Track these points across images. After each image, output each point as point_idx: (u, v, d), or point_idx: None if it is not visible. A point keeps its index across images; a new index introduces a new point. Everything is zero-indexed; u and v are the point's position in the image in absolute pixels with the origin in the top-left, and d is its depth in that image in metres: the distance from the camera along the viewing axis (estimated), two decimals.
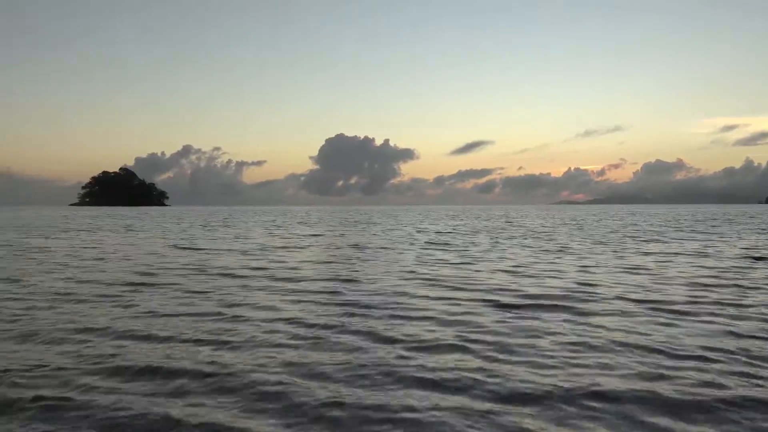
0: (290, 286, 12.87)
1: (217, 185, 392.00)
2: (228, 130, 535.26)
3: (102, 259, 19.37)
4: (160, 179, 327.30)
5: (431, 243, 26.77)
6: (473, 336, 7.97)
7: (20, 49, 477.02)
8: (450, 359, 6.88)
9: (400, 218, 70.75)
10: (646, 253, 20.74)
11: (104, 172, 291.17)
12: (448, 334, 8.07)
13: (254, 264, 17.48)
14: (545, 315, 9.51)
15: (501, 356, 7.00)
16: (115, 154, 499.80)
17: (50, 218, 72.33)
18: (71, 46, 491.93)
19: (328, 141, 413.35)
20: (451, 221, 58.91)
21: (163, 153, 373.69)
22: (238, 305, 10.37)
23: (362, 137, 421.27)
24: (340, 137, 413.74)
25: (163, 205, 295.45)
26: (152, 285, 13.00)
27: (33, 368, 6.53)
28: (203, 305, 10.43)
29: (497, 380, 6.08)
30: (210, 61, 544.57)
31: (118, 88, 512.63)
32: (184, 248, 23.91)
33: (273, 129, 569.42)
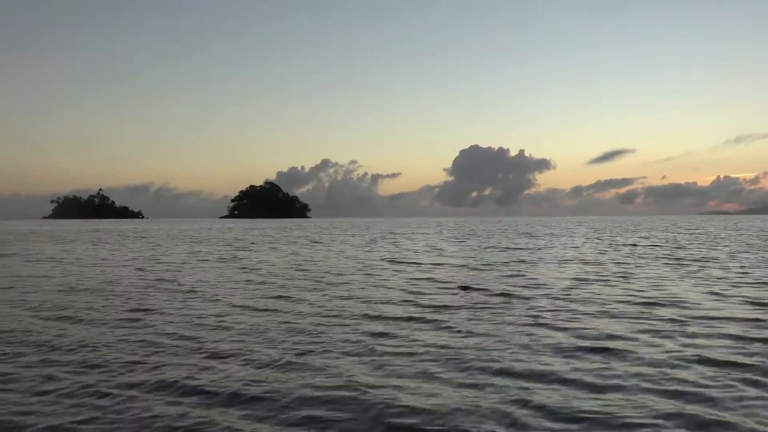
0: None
1: (353, 198, 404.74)
2: (364, 143, 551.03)
3: (359, 274, 18.79)
4: (300, 192, 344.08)
5: (697, 260, 23.67)
6: None
7: (190, 77, 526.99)
8: None
9: (573, 230, 66.71)
10: None
11: (251, 186, 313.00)
12: None
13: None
14: None
15: None
16: (258, 169, 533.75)
17: (221, 231, 77.11)
18: (226, 71, 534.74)
19: (462, 152, 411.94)
20: (634, 233, 54.11)
21: (302, 167, 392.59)
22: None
23: (497, 148, 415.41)
24: (475, 148, 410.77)
25: (306, 217, 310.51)
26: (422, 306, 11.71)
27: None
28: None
29: None
30: (345, 76, 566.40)
31: (262, 106, 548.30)
32: (402, 262, 23.01)
33: (407, 141, 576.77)
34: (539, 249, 30.82)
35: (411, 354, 7.85)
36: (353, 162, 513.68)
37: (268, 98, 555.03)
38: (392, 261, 23.79)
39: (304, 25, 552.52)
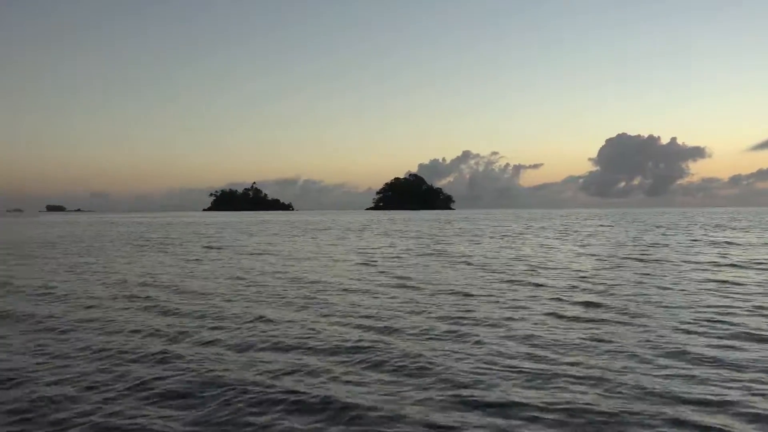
0: None
1: (495, 189, 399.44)
2: (505, 134, 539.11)
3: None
4: (441, 184, 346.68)
5: None
6: None
7: (333, 75, 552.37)
8: None
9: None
10: None
11: (396, 179, 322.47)
12: None
13: None
14: None
15: None
16: (400, 162, 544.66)
17: (398, 222, 79.08)
18: (368, 69, 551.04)
19: (609, 141, 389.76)
20: None
21: (443, 159, 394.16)
22: None
23: (646, 136, 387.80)
24: (622, 137, 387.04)
25: (450, 209, 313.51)
26: None
27: None
28: None
29: None
30: (485, 67, 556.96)
31: (404, 101, 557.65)
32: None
33: (550, 131, 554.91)
34: None
35: None
36: (495, 153, 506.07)
37: (409, 93, 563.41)
38: (639, 259, 22.72)
39: (443, 21, 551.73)
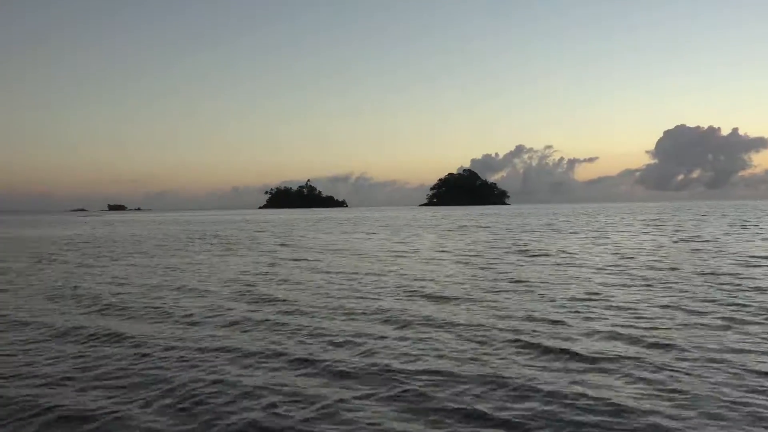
0: None
1: (549, 184, 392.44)
2: (559, 127, 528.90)
3: None
4: (493, 179, 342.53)
5: None
6: None
7: (386, 72, 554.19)
8: None
9: None
10: None
11: (450, 174, 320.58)
12: None
13: None
14: None
15: None
16: (451, 158, 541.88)
17: (466, 218, 78.39)
18: (420, 67, 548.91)
19: (667, 133, 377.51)
20: None
21: (496, 154, 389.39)
22: None
23: (706, 127, 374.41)
24: (681, 129, 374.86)
25: (505, 204, 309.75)
26: None
27: None
28: None
29: None
30: (538, 60, 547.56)
31: (455, 96, 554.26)
32: None
33: (605, 124, 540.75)
34: None
35: None
36: (548, 147, 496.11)
37: (462, 88, 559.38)
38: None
39: (498, 17, 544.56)
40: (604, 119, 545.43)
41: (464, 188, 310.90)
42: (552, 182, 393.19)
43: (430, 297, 12.97)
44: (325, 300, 12.79)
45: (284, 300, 12.82)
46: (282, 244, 31.91)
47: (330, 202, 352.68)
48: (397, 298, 12.93)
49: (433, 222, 65.39)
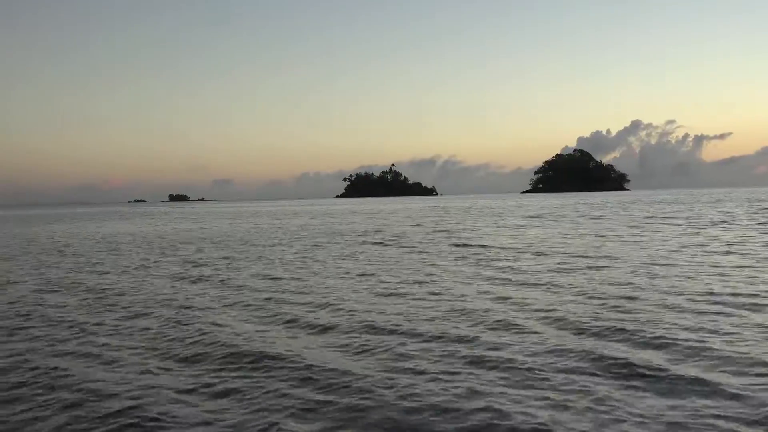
0: None
1: (670, 165, 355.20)
2: (683, 99, 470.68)
3: None
4: (605, 160, 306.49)
5: None
6: None
7: (474, 50, 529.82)
8: None
9: None
10: None
11: (557, 155, 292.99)
12: None
13: None
14: None
15: None
16: (553, 136, 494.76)
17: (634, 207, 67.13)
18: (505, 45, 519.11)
19: None
20: None
21: (608, 131, 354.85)
22: None
23: None
24: None
25: (625, 189, 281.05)
26: None
27: None
28: None
29: None
30: (655, 20, 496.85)
31: (557, 63, 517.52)
32: None
33: (739, 95, 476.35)
34: None
35: None
36: (670, 122, 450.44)
37: (563, 57, 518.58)
38: None
39: None
40: (737, 89, 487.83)
41: (575, 171, 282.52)
42: (675, 163, 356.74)
43: None
44: None
45: None
46: (462, 245, 21.42)
47: (417, 190, 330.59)
48: None
49: (636, 212, 54.03)
